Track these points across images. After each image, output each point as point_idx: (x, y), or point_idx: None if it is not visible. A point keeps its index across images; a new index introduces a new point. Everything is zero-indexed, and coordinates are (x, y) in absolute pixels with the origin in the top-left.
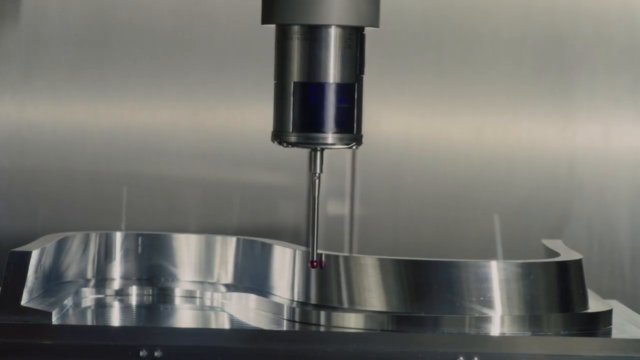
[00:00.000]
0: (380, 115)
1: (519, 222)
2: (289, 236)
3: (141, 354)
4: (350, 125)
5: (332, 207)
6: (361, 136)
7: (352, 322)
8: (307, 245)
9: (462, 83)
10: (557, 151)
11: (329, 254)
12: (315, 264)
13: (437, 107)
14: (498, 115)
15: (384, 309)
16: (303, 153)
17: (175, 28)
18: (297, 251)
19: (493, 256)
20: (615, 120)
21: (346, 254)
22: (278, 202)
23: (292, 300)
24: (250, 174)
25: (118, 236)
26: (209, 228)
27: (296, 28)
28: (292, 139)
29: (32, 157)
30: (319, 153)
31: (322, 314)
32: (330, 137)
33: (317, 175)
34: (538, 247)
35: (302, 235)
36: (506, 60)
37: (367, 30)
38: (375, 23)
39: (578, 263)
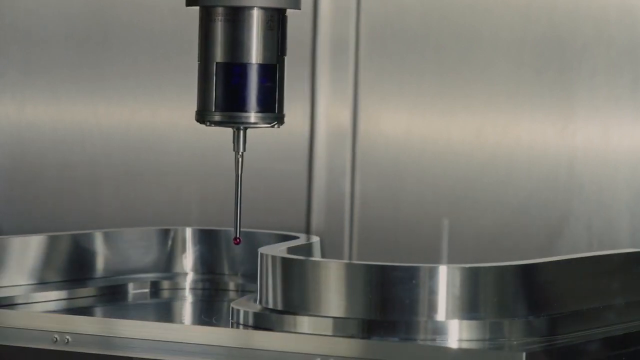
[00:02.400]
0: (380, 115)
1: (519, 222)
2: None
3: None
4: (272, 105)
5: (332, 207)
6: (283, 115)
7: (318, 327)
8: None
9: (462, 83)
10: (557, 151)
11: (293, 259)
12: (238, 240)
13: (437, 107)
14: (498, 115)
15: (349, 315)
16: (303, 153)
17: (175, 28)
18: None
19: (493, 255)
20: (615, 120)
21: (314, 259)
22: (277, 201)
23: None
24: (250, 173)
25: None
26: (209, 229)
27: (219, 10)
28: (216, 118)
29: (32, 157)
30: (242, 132)
31: (288, 319)
32: (252, 116)
33: (240, 153)
34: (538, 247)
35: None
36: (506, 60)
37: (365, 30)
38: (297, 5)
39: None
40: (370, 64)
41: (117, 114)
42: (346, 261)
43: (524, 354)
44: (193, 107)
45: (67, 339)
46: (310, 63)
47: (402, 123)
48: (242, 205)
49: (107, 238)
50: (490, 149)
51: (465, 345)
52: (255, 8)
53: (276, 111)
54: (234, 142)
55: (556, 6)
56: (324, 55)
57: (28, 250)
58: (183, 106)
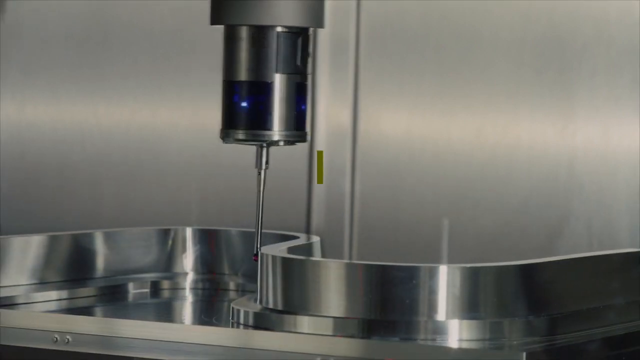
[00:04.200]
0: (380, 115)
1: (519, 222)
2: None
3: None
4: (296, 123)
5: (332, 207)
6: (305, 133)
7: (318, 327)
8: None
9: (462, 83)
10: (557, 151)
11: (293, 259)
12: (258, 257)
13: (437, 107)
14: (498, 115)
15: (349, 315)
16: (303, 153)
17: (175, 28)
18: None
19: (493, 255)
20: (615, 120)
21: (314, 258)
22: (277, 201)
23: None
24: (250, 173)
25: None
26: (209, 229)
27: (240, 29)
28: (240, 136)
29: (32, 157)
30: (264, 149)
31: (288, 318)
32: (276, 134)
33: (263, 169)
34: (538, 247)
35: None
36: (506, 60)
37: (365, 30)
38: (319, 24)
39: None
40: (370, 64)
41: (117, 114)
42: (346, 261)
43: (524, 354)
44: (193, 107)
45: (67, 339)
46: (310, 63)
47: (402, 123)
48: (250, 208)
49: (107, 238)
50: (490, 149)
51: (465, 345)
52: (280, 27)
53: (300, 129)
54: (256, 158)
55: (556, 6)
56: (324, 55)
57: (28, 250)
58: (183, 106)
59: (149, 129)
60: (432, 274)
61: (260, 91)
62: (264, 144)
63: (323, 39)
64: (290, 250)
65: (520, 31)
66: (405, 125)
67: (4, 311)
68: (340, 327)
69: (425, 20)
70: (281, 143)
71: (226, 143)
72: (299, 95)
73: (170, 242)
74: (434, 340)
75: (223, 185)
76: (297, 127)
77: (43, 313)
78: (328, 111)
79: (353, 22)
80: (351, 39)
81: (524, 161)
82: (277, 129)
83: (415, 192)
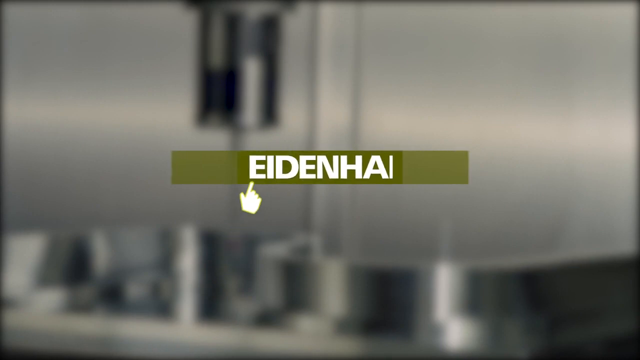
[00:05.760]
0: (380, 115)
1: (519, 222)
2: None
3: None
4: (267, 108)
5: (332, 206)
6: (278, 118)
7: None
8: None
9: (462, 83)
10: (557, 151)
11: (293, 259)
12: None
13: (437, 107)
14: (498, 115)
15: (349, 315)
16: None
17: (175, 28)
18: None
19: (493, 255)
20: (615, 120)
21: (314, 258)
22: (277, 200)
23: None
24: None
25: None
26: (209, 229)
27: (215, 15)
28: (212, 122)
29: (32, 157)
30: (237, 135)
31: (287, 318)
32: (248, 118)
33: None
34: (538, 247)
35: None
36: (506, 60)
37: (366, 30)
38: None
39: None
40: (371, 64)
41: (117, 114)
42: (346, 261)
43: (524, 354)
44: (193, 107)
45: (67, 339)
46: (310, 63)
47: (402, 123)
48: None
49: (107, 238)
50: (490, 149)
51: (465, 345)
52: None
53: (272, 114)
54: (232, 145)
55: (556, 6)
56: (324, 55)
57: (28, 250)
58: (183, 106)
59: (149, 129)
60: (432, 274)
61: (232, 77)
62: (237, 130)
63: (323, 39)
64: (290, 249)
65: (520, 31)
66: (405, 125)
67: (4, 312)
68: (340, 327)
69: (426, 20)
70: (253, 128)
71: (199, 129)
72: (270, 81)
73: (170, 242)
74: (433, 340)
75: (223, 185)
76: (269, 113)
77: (43, 313)
78: (328, 111)
79: (353, 21)
80: (351, 38)
81: (524, 161)
82: (249, 114)
83: (415, 192)
